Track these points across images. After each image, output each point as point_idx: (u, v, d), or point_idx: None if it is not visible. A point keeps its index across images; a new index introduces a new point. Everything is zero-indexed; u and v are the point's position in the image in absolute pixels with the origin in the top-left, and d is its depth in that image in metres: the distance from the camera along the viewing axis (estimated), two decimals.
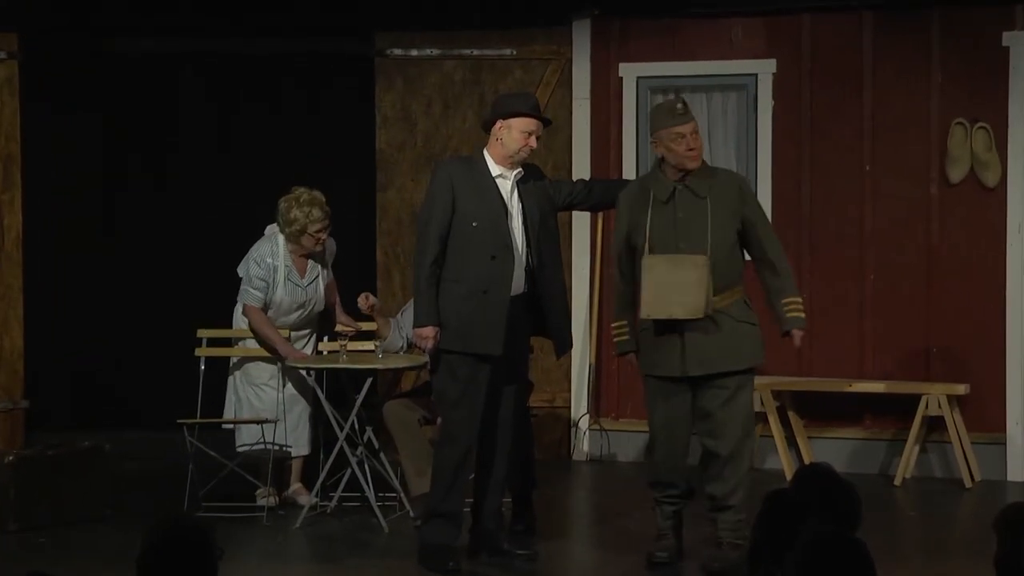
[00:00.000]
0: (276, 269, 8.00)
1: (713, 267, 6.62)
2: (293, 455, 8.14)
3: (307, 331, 8.25)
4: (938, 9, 8.92)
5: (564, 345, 7.00)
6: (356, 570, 6.98)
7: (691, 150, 6.75)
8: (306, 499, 7.93)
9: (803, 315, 6.85)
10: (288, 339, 8.05)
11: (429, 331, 6.69)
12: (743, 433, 6.74)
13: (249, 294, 8.01)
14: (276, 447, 7.95)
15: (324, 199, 8.04)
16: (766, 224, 6.87)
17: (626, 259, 6.84)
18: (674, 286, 6.62)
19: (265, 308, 8.02)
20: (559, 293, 6.92)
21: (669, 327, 6.68)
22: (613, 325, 7.01)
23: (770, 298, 6.86)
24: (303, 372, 8.05)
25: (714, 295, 6.63)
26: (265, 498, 8.00)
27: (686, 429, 6.81)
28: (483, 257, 6.68)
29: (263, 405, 8.09)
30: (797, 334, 6.84)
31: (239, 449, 8.12)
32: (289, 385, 8.11)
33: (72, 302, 9.80)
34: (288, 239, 8.02)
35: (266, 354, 8.11)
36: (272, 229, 8.11)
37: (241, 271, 8.06)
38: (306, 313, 8.16)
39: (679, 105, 6.85)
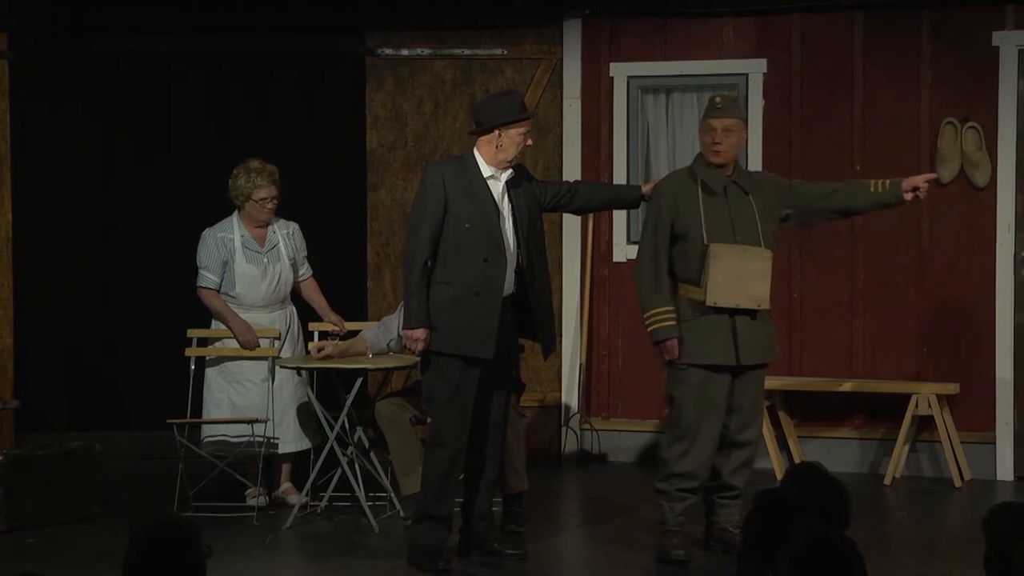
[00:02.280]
0: (231, 240, 8.09)
1: None
2: (280, 451, 8.11)
3: (282, 310, 8.22)
4: (928, 9, 8.94)
5: (550, 346, 6.99)
6: (346, 570, 6.97)
7: (715, 144, 6.88)
8: (296, 499, 7.93)
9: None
10: (275, 317, 8.14)
11: (420, 333, 6.68)
12: (760, 428, 7.10)
13: (201, 276, 8.12)
14: (263, 440, 7.93)
15: (276, 171, 8.13)
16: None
17: (666, 246, 6.87)
18: (742, 276, 6.77)
19: (232, 285, 8.07)
20: (546, 295, 6.92)
21: (720, 315, 6.78)
22: (656, 311, 6.82)
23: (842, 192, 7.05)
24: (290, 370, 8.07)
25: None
26: (255, 498, 8.00)
27: (720, 421, 6.86)
28: (475, 259, 6.67)
29: (245, 403, 8.08)
30: None
31: (205, 441, 8.10)
32: (273, 381, 8.10)
33: (63, 302, 9.78)
34: (239, 209, 8.12)
35: (249, 352, 8.11)
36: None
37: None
38: (275, 284, 8.15)
39: (718, 99, 7.00)
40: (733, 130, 6.87)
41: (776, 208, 6.93)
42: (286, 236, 8.22)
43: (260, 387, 8.11)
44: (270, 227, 8.18)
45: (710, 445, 6.87)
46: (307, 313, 8.42)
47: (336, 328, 8.24)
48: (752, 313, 6.81)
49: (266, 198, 8.07)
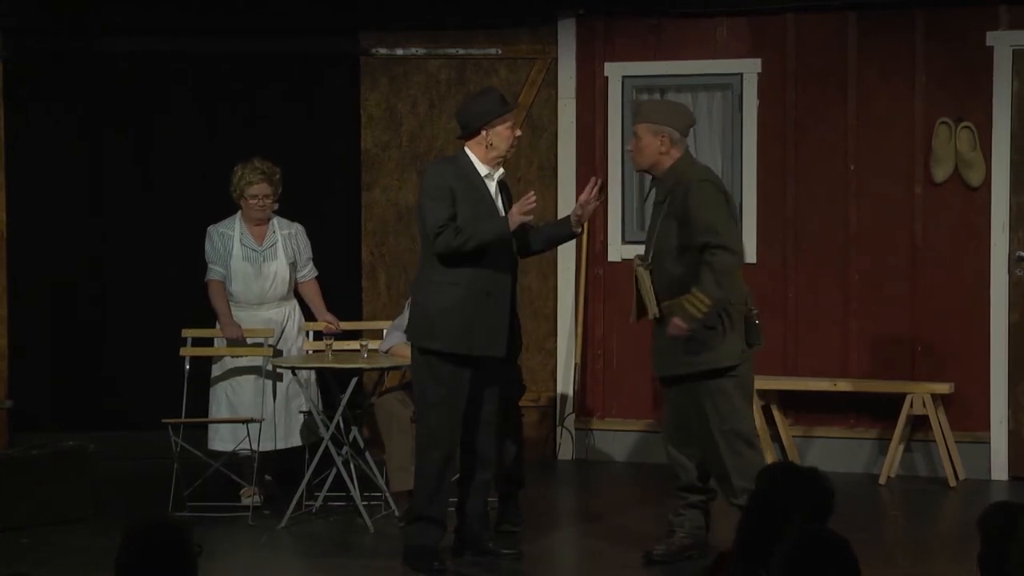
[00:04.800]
0: (231, 237, 8.18)
1: (660, 272, 6.67)
2: (263, 449, 8.09)
3: (281, 308, 8.24)
4: (922, 9, 8.94)
5: (517, 355, 7.02)
6: (341, 570, 6.97)
7: (630, 151, 6.92)
8: (249, 500, 7.92)
9: (690, 311, 6.57)
10: (271, 315, 8.19)
11: (515, 207, 6.57)
12: (726, 437, 6.65)
13: (209, 271, 8.22)
14: (258, 439, 7.94)
15: (275, 171, 8.19)
16: (695, 224, 6.60)
17: None
18: (642, 289, 6.78)
19: (230, 282, 8.15)
20: (516, 296, 6.93)
21: (657, 323, 6.79)
22: None
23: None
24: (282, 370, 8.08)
25: (665, 299, 6.66)
26: (249, 497, 7.99)
27: (675, 421, 6.84)
28: (483, 259, 6.66)
29: (240, 401, 8.12)
30: (675, 323, 6.62)
31: (212, 448, 8.12)
32: (275, 380, 8.13)
33: (57, 302, 9.77)
34: (239, 205, 8.20)
35: (244, 350, 8.13)
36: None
37: None
38: (270, 283, 8.19)
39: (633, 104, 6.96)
40: (636, 135, 6.77)
41: (678, 214, 6.64)
42: (287, 236, 8.26)
43: (254, 385, 8.13)
44: (270, 226, 8.24)
45: (672, 447, 6.86)
46: (304, 312, 8.44)
47: (331, 327, 8.26)
48: (659, 323, 6.70)
49: (257, 196, 8.11)
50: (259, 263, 8.18)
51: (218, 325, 8.25)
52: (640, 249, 6.97)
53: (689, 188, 6.66)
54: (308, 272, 8.40)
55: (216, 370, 8.24)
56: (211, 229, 8.24)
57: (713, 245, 6.54)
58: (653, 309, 6.68)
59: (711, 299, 6.54)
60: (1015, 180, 8.86)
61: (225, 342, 8.19)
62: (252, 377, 8.16)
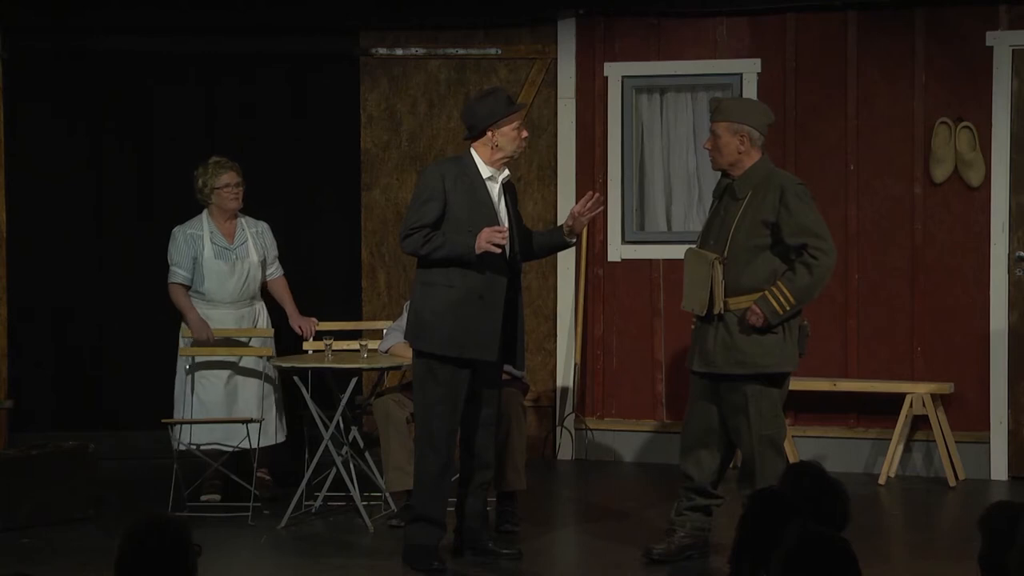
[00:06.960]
0: (200, 238, 8.16)
1: (730, 268, 6.60)
2: (239, 446, 8.08)
3: (250, 307, 8.24)
4: (922, 9, 8.95)
5: (522, 363, 6.95)
6: (341, 570, 6.97)
7: (707, 150, 6.85)
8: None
9: (773, 305, 6.55)
10: (243, 314, 8.21)
11: (484, 232, 6.53)
12: (761, 442, 6.61)
13: (172, 273, 8.19)
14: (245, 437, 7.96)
15: (237, 165, 8.19)
16: (792, 225, 6.57)
17: None
18: (691, 280, 6.71)
19: (201, 281, 8.12)
20: (521, 304, 6.89)
21: (699, 320, 6.71)
22: None
23: None
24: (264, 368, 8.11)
25: (730, 295, 6.60)
26: (263, 485, 8.00)
27: (701, 423, 6.77)
28: (478, 262, 6.65)
29: (209, 398, 8.11)
30: (755, 311, 6.58)
31: (188, 441, 8.09)
32: (236, 379, 8.13)
33: (55, 302, 9.76)
34: (209, 207, 8.18)
35: (242, 351, 8.13)
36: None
37: None
38: (243, 281, 8.19)
39: (709, 103, 6.92)
40: (715, 134, 6.73)
41: (766, 215, 6.59)
42: (255, 235, 8.29)
43: (224, 384, 8.11)
44: (239, 224, 8.24)
45: (694, 445, 6.79)
46: (280, 312, 8.44)
47: (309, 329, 8.27)
48: (719, 318, 6.62)
49: (229, 184, 8.15)
50: (232, 261, 8.18)
51: (183, 326, 8.21)
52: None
53: (784, 190, 6.61)
54: (276, 270, 8.41)
55: (184, 363, 8.15)
56: (177, 231, 8.19)
57: (815, 247, 6.55)
58: (720, 304, 6.62)
59: (796, 298, 6.55)
60: (1015, 180, 8.86)
61: (191, 341, 8.16)
62: (223, 376, 8.13)
